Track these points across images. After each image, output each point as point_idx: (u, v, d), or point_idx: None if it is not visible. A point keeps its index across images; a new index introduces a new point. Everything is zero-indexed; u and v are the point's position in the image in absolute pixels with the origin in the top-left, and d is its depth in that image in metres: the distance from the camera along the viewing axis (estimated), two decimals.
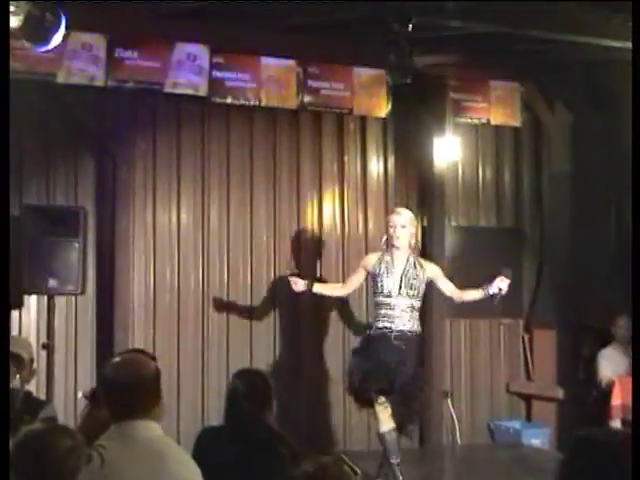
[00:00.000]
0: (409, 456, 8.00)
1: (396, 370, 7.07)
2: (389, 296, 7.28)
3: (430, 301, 9.24)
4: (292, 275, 7.85)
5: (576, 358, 9.61)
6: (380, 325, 7.28)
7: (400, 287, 7.28)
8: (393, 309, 7.27)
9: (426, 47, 7.85)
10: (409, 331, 7.26)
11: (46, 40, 5.29)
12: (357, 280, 7.70)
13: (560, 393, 9.51)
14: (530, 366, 10.06)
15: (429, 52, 8.17)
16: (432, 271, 7.47)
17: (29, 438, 3.16)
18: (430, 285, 7.53)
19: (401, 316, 7.25)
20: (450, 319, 9.58)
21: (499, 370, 10.06)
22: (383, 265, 7.35)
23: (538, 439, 9.55)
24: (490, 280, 7.31)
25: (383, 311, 7.30)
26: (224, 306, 8.86)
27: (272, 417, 4.54)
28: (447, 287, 7.52)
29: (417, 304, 7.37)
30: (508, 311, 10.01)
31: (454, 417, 9.51)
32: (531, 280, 10.11)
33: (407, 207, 9.17)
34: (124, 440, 3.52)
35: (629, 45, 6.91)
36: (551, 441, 9.59)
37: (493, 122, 9.32)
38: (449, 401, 9.54)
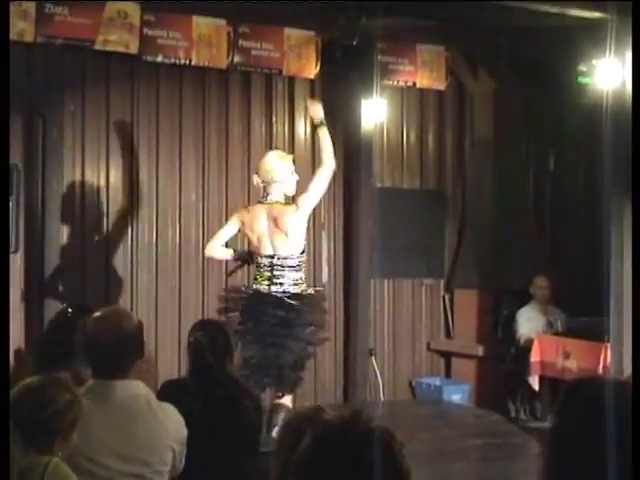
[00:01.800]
0: (333, 412, 8.07)
1: None
2: None
3: (355, 261, 9.39)
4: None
5: (495, 317, 9.83)
6: None
7: None
8: None
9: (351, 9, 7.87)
10: None
11: None
12: None
13: (480, 351, 9.71)
14: (450, 325, 10.26)
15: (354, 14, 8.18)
16: None
17: (28, 391, 3.13)
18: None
19: None
20: (374, 279, 9.68)
21: (421, 329, 10.23)
22: None
23: (458, 395, 9.75)
24: None
25: None
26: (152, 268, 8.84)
27: (233, 368, 4.54)
28: None
29: None
30: (430, 271, 10.22)
31: (378, 374, 9.64)
32: (453, 242, 10.28)
33: (334, 169, 9.28)
34: (98, 398, 3.46)
35: (566, 10, 7.06)
36: (471, 397, 9.80)
37: (419, 85, 9.36)
38: (373, 359, 9.66)
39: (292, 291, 6.71)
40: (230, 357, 4.50)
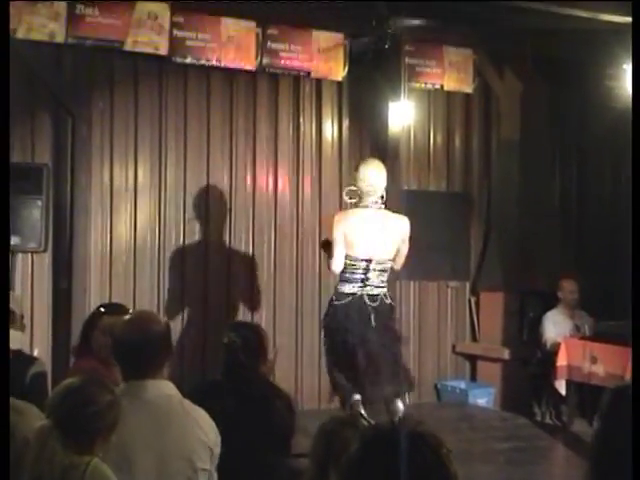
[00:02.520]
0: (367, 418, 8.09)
1: None
2: None
3: None
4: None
5: (521, 320, 9.81)
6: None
7: None
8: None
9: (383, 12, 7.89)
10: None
11: None
12: None
13: (505, 354, 9.67)
14: (476, 328, 10.24)
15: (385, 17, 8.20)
16: None
17: (68, 391, 3.15)
18: None
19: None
20: (400, 281, 9.67)
21: (446, 331, 10.22)
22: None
23: (483, 398, 9.73)
24: None
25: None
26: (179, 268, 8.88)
27: (267, 370, 4.55)
28: None
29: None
30: (456, 274, 10.21)
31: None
32: (479, 244, 10.27)
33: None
34: (132, 400, 3.49)
35: (592, 14, 7.06)
36: (496, 400, 9.77)
37: (446, 88, 9.40)
38: None
39: (384, 295, 6.89)
40: (263, 358, 4.51)
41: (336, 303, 6.82)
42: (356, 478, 2.01)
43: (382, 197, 6.97)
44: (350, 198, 7.07)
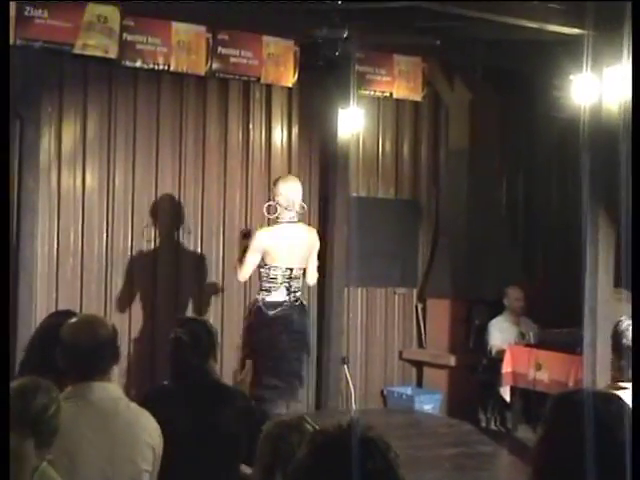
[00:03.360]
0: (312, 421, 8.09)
1: None
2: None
3: (330, 269, 9.41)
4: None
5: (468, 327, 9.88)
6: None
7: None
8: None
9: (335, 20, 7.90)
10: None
11: None
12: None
13: (451, 360, 9.74)
14: (423, 334, 10.29)
15: (337, 25, 8.21)
16: None
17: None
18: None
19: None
20: (347, 287, 9.71)
21: (393, 338, 10.26)
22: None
23: (430, 404, 9.78)
24: None
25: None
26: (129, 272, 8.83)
27: (216, 367, 4.44)
28: None
29: None
30: (404, 280, 10.26)
31: (350, 383, 9.64)
32: (427, 251, 10.33)
33: (309, 176, 9.31)
34: (79, 401, 3.51)
35: (541, 25, 7.12)
36: (442, 406, 9.83)
37: (396, 95, 9.43)
38: (345, 367, 9.67)
39: (302, 300, 7.36)
40: (214, 357, 4.38)
41: (269, 312, 7.09)
42: None
43: (303, 207, 7.34)
44: (269, 213, 7.34)
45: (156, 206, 8.96)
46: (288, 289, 7.17)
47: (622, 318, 6.56)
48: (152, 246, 8.97)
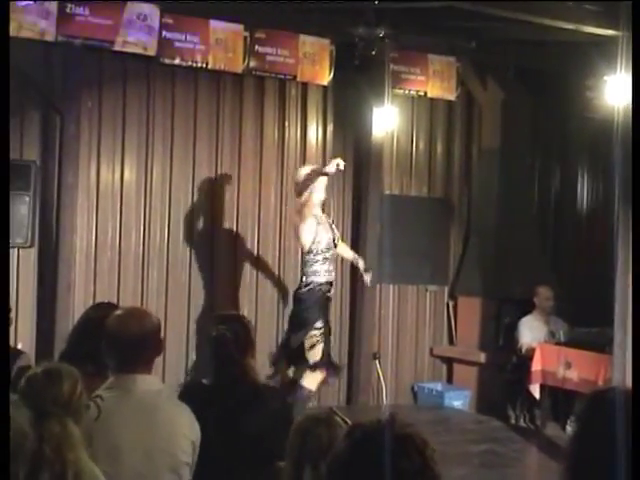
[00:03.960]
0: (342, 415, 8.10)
1: None
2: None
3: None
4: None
5: (498, 325, 9.86)
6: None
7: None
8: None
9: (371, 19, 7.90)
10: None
11: None
12: None
13: (481, 357, 9.74)
14: (453, 331, 10.29)
15: (373, 24, 8.21)
16: None
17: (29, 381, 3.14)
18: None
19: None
20: (380, 284, 9.71)
21: (424, 334, 10.28)
22: None
23: (459, 401, 9.79)
24: None
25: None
26: (162, 265, 8.90)
27: (254, 364, 4.41)
28: None
29: None
30: (435, 278, 10.25)
31: (381, 378, 9.65)
32: (458, 249, 10.33)
33: (343, 174, 9.33)
34: (122, 392, 3.52)
35: (576, 26, 7.09)
36: (471, 403, 9.83)
37: (429, 95, 9.41)
38: (376, 363, 9.68)
39: None
40: (252, 351, 4.32)
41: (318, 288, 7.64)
42: (343, 476, 2.03)
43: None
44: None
45: (193, 200, 9.01)
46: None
47: None
48: (188, 240, 9.01)
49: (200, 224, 9.09)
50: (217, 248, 9.15)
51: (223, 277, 9.16)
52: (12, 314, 5.30)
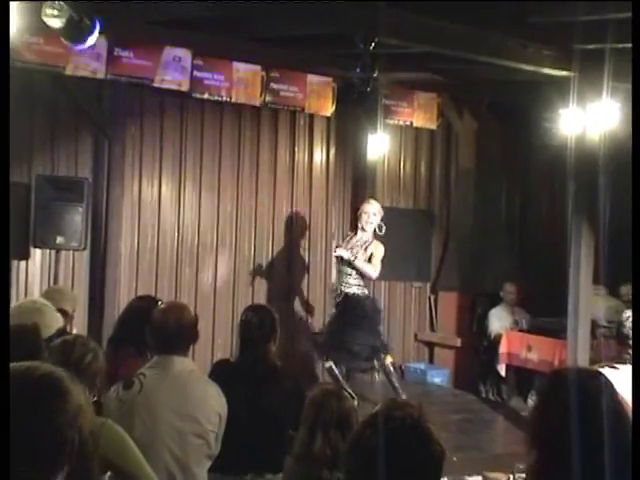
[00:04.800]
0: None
1: None
2: None
3: None
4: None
5: (472, 315, 9.85)
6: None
7: None
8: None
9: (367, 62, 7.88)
10: None
11: (83, 40, 5.15)
12: None
13: (458, 342, 9.74)
14: (434, 320, 10.28)
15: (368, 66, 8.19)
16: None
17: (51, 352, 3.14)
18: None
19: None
20: (373, 281, 9.67)
21: (410, 323, 10.26)
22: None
23: (439, 378, 9.77)
24: None
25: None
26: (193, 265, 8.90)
27: (275, 349, 4.25)
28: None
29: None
30: (419, 276, 10.24)
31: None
32: (439, 252, 10.31)
33: (344, 190, 9.30)
34: (162, 371, 3.56)
35: (536, 68, 7.07)
36: (449, 380, 9.81)
37: (415, 124, 9.41)
38: None
39: None
40: (274, 337, 4.24)
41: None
42: (363, 453, 1.98)
43: None
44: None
45: (219, 214, 9.01)
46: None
47: (626, 311, 6.58)
48: (214, 247, 9.00)
49: (224, 232, 9.08)
50: (238, 254, 9.17)
51: (242, 277, 9.16)
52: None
